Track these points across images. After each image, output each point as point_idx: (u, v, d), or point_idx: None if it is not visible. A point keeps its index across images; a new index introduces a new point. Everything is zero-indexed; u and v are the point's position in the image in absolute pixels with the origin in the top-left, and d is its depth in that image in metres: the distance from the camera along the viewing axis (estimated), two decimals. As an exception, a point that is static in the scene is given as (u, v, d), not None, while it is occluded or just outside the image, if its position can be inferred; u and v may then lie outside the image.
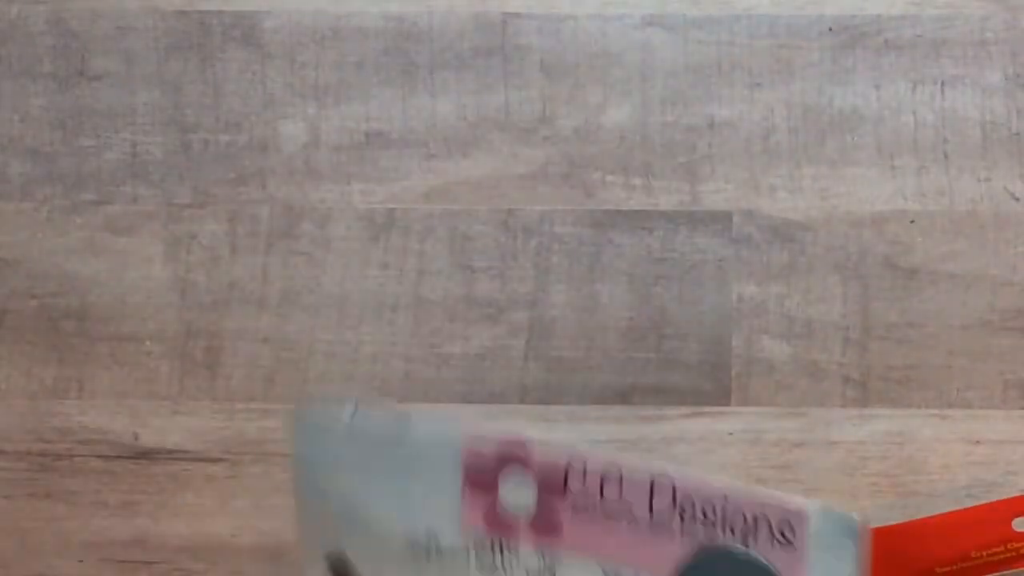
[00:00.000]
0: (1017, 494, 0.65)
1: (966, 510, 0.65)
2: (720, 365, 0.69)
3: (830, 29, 0.72)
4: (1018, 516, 0.64)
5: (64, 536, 0.69)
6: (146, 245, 0.71)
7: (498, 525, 0.56)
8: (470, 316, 0.70)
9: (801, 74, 0.72)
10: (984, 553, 0.64)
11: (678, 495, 0.54)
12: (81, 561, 0.69)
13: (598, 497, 0.55)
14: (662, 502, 0.54)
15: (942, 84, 0.71)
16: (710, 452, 0.69)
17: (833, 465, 0.68)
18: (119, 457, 0.69)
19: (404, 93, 0.72)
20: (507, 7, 0.72)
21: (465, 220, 0.71)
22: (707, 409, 0.69)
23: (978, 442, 0.68)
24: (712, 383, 0.69)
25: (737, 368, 0.69)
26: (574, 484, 0.55)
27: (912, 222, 0.70)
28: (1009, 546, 0.63)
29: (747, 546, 0.53)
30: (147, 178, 0.72)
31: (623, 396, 0.69)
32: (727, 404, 0.69)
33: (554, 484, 0.55)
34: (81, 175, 0.72)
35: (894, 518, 0.67)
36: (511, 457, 0.56)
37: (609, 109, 0.72)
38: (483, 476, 0.56)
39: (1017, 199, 0.70)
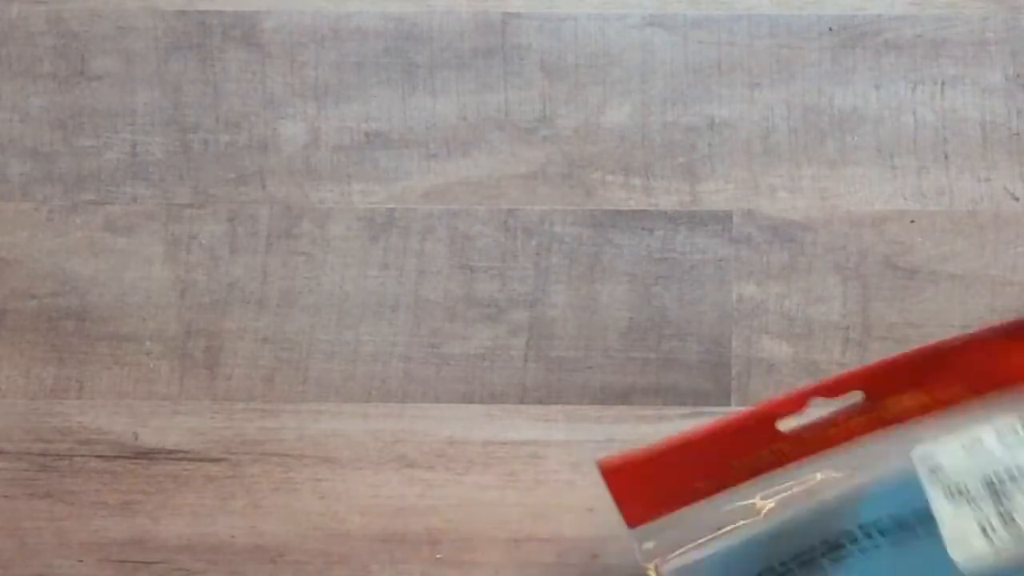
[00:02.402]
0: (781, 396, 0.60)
1: (728, 419, 0.59)
2: (720, 365, 0.69)
3: (830, 29, 0.72)
4: (779, 418, 0.59)
5: (64, 536, 0.69)
6: (146, 245, 0.71)
7: None
8: (470, 316, 0.70)
9: (801, 74, 0.72)
10: (747, 460, 0.59)
11: None
12: (81, 561, 0.69)
13: None
14: None
15: (942, 84, 0.71)
16: (710, 452, 0.69)
17: (833, 465, 0.68)
18: (119, 457, 0.69)
19: (404, 93, 0.72)
20: (507, 7, 0.72)
21: (465, 220, 0.71)
22: (707, 409, 0.69)
23: (978, 442, 0.68)
24: (712, 383, 0.69)
25: (737, 368, 0.69)
26: None
27: (912, 222, 0.70)
28: (773, 447, 0.59)
29: None
30: (147, 178, 0.72)
31: (623, 396, 0.69)
32: (727, 404, 0.69)
33: None
34: (81, 175, 0.72)
35: (894, 518, 0.67)
36: None
37: (609, 109, 0.72)
38: None
39: (1017, 199, 0.70)
